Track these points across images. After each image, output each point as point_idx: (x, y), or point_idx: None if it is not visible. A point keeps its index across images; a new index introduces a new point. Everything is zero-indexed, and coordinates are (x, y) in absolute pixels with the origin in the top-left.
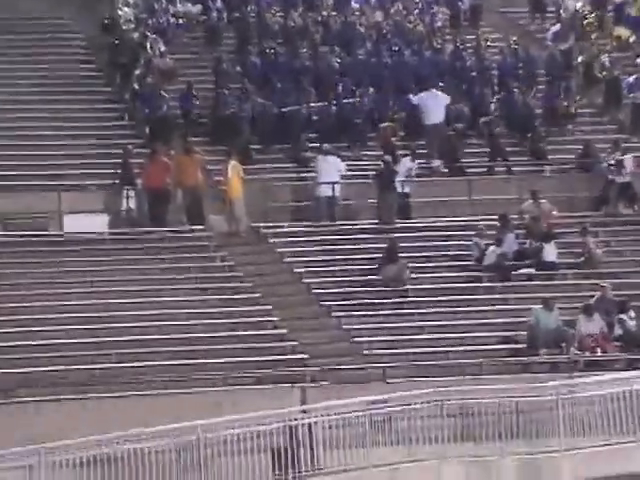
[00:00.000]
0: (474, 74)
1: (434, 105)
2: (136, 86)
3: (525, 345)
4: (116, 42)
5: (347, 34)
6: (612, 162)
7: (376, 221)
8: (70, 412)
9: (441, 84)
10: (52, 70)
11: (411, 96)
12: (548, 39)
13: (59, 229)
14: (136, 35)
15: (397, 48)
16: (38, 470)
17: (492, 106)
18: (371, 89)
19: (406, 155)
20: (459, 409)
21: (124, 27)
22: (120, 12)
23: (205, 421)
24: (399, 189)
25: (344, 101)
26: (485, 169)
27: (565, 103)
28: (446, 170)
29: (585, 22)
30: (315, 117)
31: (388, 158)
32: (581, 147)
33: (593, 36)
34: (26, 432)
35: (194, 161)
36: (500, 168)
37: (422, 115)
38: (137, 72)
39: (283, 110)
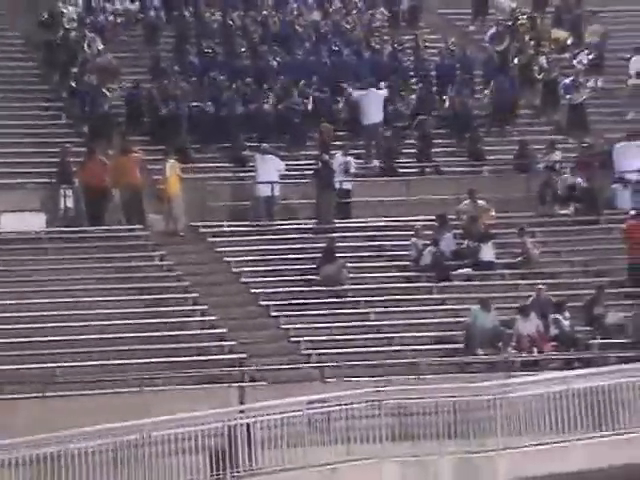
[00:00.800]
0: (412, 74)
1: (373, 104)
2: (73, 84)
3: (462, 345)
4: (56, 40)
5: (286, 33)
6: (544, 164)
7: (315, 220)
8: (2, 411)
9: (382, 83)
10: None
11: (350, 90)
12: (486, 40)
13: None
14: (74, 33)
15: (336, 48)
16: None
17: (429, 106)
18: (310, 88)
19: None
20: (397, 409)
21: (66, 25)
22: (63, 10)
23: (147, 420)
24: (338, 186)
25: (283, 103)
26: (419, 169)
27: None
28: (384, 170)
29: (518, 23)
30: (253, 116)
31: (325, 157)
32: (517, 148)
33: (527, 37)
34: None
35: (133, 160)
36: (438, 169)
37: (360, 114)
38: (74, 70)
39: (220, 110)
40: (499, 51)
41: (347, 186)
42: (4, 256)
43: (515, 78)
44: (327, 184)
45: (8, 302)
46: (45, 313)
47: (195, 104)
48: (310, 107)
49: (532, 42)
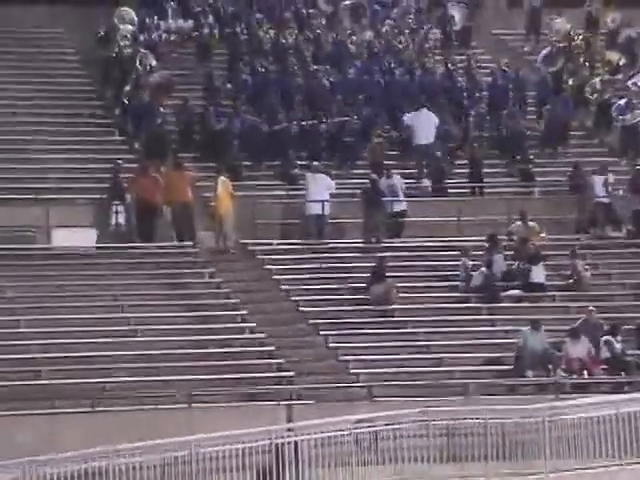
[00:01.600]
0: (465, 95)
1: (424, 125)
2: (126, 101)
3: (512, 367)
4: (113, 56)
5: (338, 53)
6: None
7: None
8: (51, 425)
9: (431, 105)
10: (44, 83)
11: (405, 116)
12: (538, 61)
13: (47, 243)
14: (128, 50)
15: (389, 67)
16: None
17: (481, 127)
18: (362, 108)
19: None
20: (445, 429)
21: (121, 43)
22: (119, 27)
23: (195, 437)
24: (395, 208)
25: (335, 120)
26: (470, 190)
27: (573, 122)
28: (434, 191)
29: (573, 44)
30: (305, 135)
31: (374, 176)
32: (570, 169)
33: (581, 59)
34: (11, 444)
35: (184, 177)
36: (488, 190)
37: (412, 135)
38: (127, 87)
39: (273, 128)
40: (552, 72)
41: (402, 207)
42: (55, 271)
43: (569, 99)
44: (375, 202)
45: (59, 317)
46: (95, 328)
47: (248, 120)
48: (361, 126)
49: (586, 63)
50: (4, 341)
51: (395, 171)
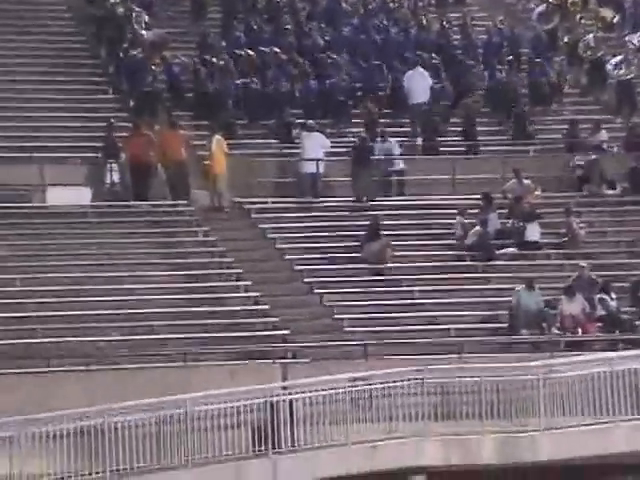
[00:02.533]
0: (459, 52)
1: (419, 84)
2: (120, 58)
3: (506, 325)
4: (104, 15)
5: (333, 10)
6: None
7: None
8: (46, 384)
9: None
10: (37, 42)
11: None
12: (533, 19)
13: (42, 201)
14: (121, 9)
15: (383, 25)
16: (18, 441)
17: (475, 85)
18: (356, 66)
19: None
20: (440, 387)
21: (112, 0)
22: None
23: (190, 395)
24: (396, 167)
25: (329, 80)
26: (464, 148)
27: (553, 80)
28: (428, 149)
29: (570, 2)
30: (299, 93)
31: (364, 135)
32: (565, 127)
33: (578, 16)
34: (5, 403)
35: (178, 136)
36: (482, 148)
37: (406, 93)
38: (124, 45)
39: (267, 86)
40: (547, 30)
41: (401, 166)
42: (50, 230)
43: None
44: (364, 161)
45: (53, 275)
46: (89, 287)
47: (241, 80)
48: (356, 84)
49: (581, 21)
50: None
51: (389, 129)
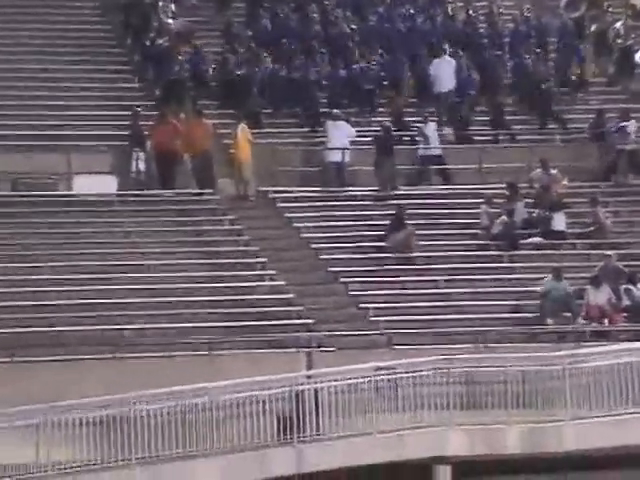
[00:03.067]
0: (486, 41)
1: (445, 72)
2: (148, 47)
3: (532, 314)
4: (129, 3)
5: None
6: (614, 129)
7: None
8: (72, 372)
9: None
10: (64, 30)
11: (430, 67)
12: (560, 7)
13: (68, 189)
14: None
15: (409, 14)
16: (44, 429)
17: (503, 74)
18: (382, 55)
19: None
20: (465, 377)
21: None
22: None
23: (214, 384)
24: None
25: (355, 66)
26: (492, 137)
27: (578, 70)
28: (456, 138)
29: None
30: (325, 82)
31: (387, 124)
32: (592, 116)
33: (605, 4)
34: (30, 391)
35: (204, 125)
36: (509, 137)
37: (433, 82)
38: (151, 34)
39: (293, 74)
40: (574, 18)
41: (437, 152)
42: (76, 218)
43: (582, 46)
44: (387, 150)
45: (79, 263)
46: (115, 275)
47: (267, 68)
48: (381, 73)
49: (609, 9)
50: (25, 287)
51: (414, 118)
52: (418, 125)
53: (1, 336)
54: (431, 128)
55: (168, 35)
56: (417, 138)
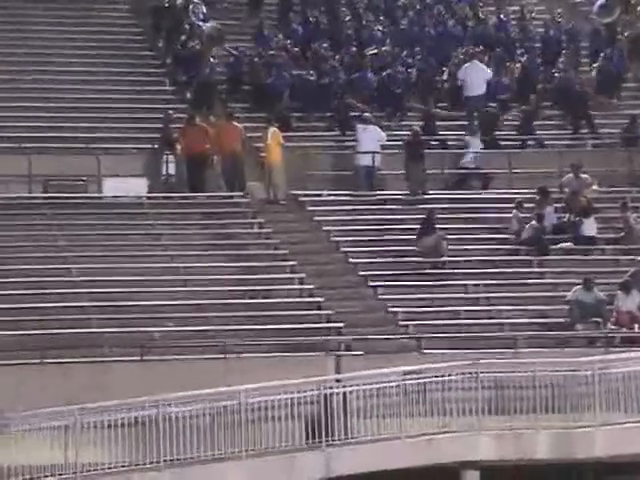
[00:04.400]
0: (517, 46)
1: (476, 77)
2: (178, 50)
3: (562, 319)
4: (165, 6)
5: (390, 3)
6: None
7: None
8: (100, 374)
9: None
10: (95, 33)
11: (459, 71)
12: (594, 11)
13: (98, 192)
14: (179, 0)
15: (441, 17)
16: (73, 430)
17: (534, 79)
18: (413, 59)
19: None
20: (494, 382)
21: None
22: None
23: (244, 386)
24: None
25: (386, 72)
26: (521, 142)
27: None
28: (486, 142)
29: None
30: (356, 85)
31: (416, 128)
32: (624, 121)
33: (639, 9)
34: (60, 392)
35: (235, 128)
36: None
37: (463, 87)
38: (182, 37)
39: (323, 78)
40: (607, 23)
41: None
42: (106, 220)
43: (623, 51)
44: (417, 155)
45: (109, 266)
46: (144, 277)
47: (297, 72)
48: (413, 78)
49: None
50: (55, 289)
51: (445, 123)
52: (465, 137)
53: (31, 337)
54: (477, 143)
55: (199, 38)
56: (463, 149)
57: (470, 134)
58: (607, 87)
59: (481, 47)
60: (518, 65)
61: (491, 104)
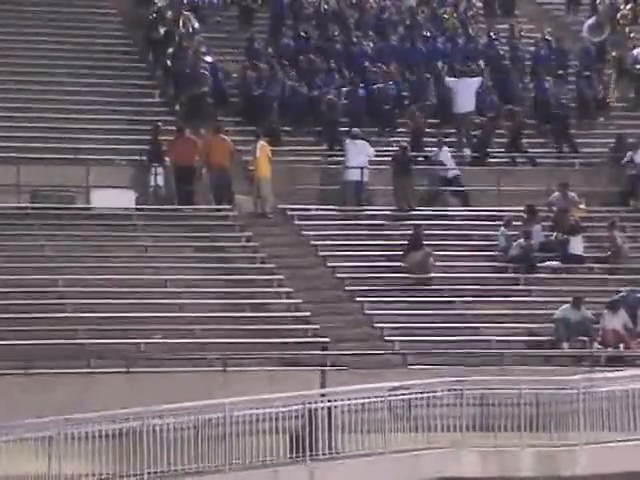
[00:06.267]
0: (507, 63)
1: (465, 93)
2: (168, 63)
3: (548, 337)
4: (153, 17)
5: (381, 19)
6: (627, 159)
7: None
8: (86, 385)
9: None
10: (85, 44)
11: (447, 79)
12: (583, 31)
13: (86, 203)
14: (170, 12)
15: (430, 35)
16: (57, 442)
17: (522, 96)
18: (403, 74)
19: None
20: (479, 399)
21: (159, 3)
22: None
23: (229, 400)
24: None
25: (375, 86)
26: (509, 160)
27: (600, 95)
28: (474, 159)
29: (619, 15)
30: (345, 101)
31: (404, 144)
32: (612, 141)
33: (627, 29)
34: (44, 403)
35: (223, 141)
36: (525, 160)
37: (453, 103)
38: (170, 49)
39: (312, 92)
40: (597, 42)
41: (453, 173)
42: (94, 231)
43: (605, 72)
44: (405, 171)
45: (96, 277)
46: (132, 289)
47: (288, 85)
48: (402, 93)
49: (631, 35)
50: (42, 300)
51: (434, 139)
52: (433, 150)
53: (17, 348)
54: (445, 154)
55: (190, 51)
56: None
57: (460, 151)
58: (588, 109)
59: (469, 64)
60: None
61: (480, 120)
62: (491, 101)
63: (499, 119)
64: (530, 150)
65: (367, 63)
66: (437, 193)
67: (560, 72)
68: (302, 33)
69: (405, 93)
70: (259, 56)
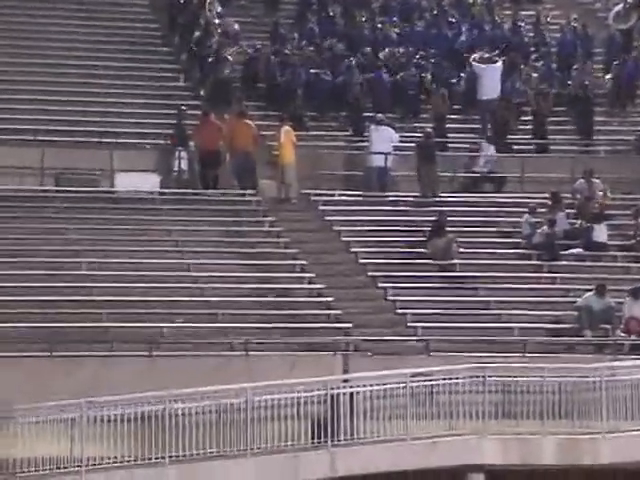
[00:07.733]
0: (532, 50)
1: (490, 79)
2: (194, 47)
3: (571, 325)
4: (179, 1)
5: (406, 5)
6: None
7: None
8: (109, 368)
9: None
10: (111, 27)
11: (472, 62)
12: (609, 19)
13: (110, 186)
14: None
15: (455, 21)
16: (79, 424)
17: (548, 83)
18: (427, 61)
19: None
20: (501, 386)
21: None
22: None
23: (251, 384)
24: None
25: (400, 74)
26: (534, 147)
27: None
28: (498, 145)
29: None
30: (370, 86)
31: (428, 130)
32: (638, 129)
33: None
34: (67, 386)
35: (247, 125)
36: (553, 147)
37: (476, 89)
38: (196, 33)
39: (337, 78)
40: (623, 30)
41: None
42: (118, 215)
43: (637, 59)
44: (429, 157)
45: (120, 260)
46: (155, 273)
47: (313, 71)
48: (428, 79)
49: None
50: (65, 283)
51: (458, 126)
52: (482, 143)
53: (41, 330)
54: (491, 150)
55: (215, 35)
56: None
57: (483, 137)
58: (620, 95)
59: (496, 51)
60: (535, 74)
61: (504, 108)
62: (516, 88)
63: (525, 105)
64: (555, 137)
65: (392, 48)
66: (474, 180)
67: (585, 59)
68: (329, 13)
69: (430, 78)
70: (284, 41)
